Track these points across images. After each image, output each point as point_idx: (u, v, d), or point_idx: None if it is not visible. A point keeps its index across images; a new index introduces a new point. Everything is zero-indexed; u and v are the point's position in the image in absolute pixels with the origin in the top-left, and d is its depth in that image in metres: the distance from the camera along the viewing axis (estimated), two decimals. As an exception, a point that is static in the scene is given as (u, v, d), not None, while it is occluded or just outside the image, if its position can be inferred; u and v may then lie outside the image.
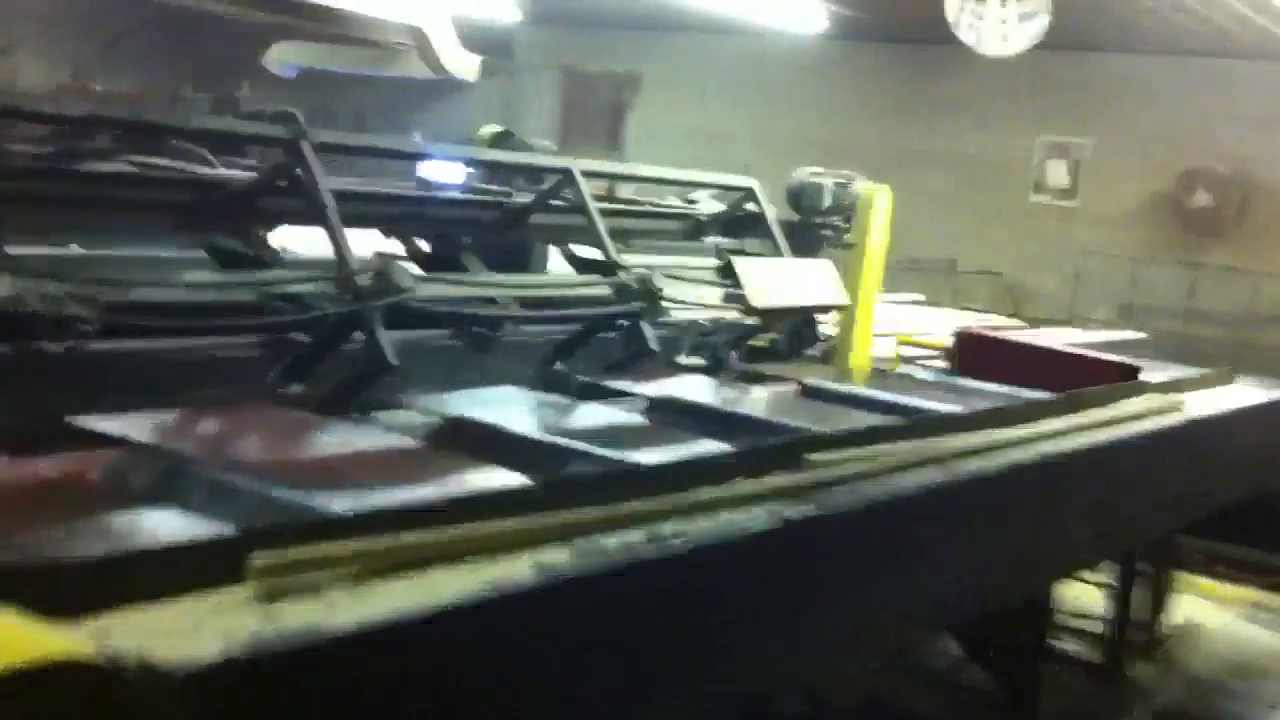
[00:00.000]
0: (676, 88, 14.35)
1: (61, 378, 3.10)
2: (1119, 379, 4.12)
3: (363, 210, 4.03)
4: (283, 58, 15.37)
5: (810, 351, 5.41)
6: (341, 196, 3.75)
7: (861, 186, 5.53)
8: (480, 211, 4.43)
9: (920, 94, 13.16)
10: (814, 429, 2.95)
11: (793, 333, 5.28)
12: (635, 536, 1.83)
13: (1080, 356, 4.33)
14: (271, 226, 3.74)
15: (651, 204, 5.31)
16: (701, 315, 4.95)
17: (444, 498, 2.09)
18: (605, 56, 14.79)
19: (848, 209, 5.51)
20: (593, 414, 3.41)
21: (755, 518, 1.99)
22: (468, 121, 15.86)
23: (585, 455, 2.65)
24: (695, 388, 3.99)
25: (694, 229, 5.41)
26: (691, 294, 4.60)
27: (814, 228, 5.51)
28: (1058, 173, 13.07)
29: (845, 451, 2.39)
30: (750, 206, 5.34)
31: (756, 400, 3.93)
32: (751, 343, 5.36)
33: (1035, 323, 10.73)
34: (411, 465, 2.72)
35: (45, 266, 3.21)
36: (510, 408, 3.41)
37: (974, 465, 2.65)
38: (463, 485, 2.52)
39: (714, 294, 4.71)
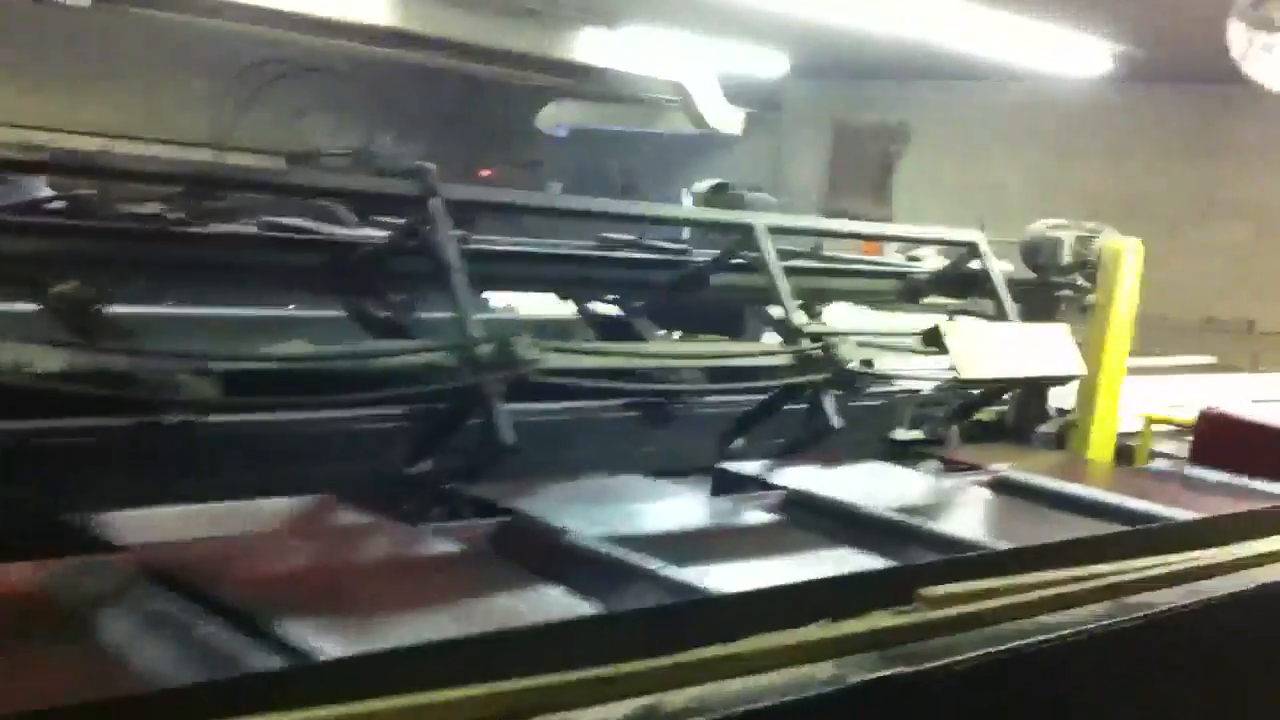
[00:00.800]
0: (947, 139, 13.67)
1: (171, 451, 2.90)
2: None
3: (523, 271, 3.72)
4: (555, 118, 15.50)
5: (1044, 428, 4.78)
6: (483, 256, 3.46)
7: (1108, 240, 4.86)
8: (652, 272, 4.05)
9: (1216, 139, 12.06)
10: (966, 545, 2.43)
11: (1021, 406, 4.68)
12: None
13: None
14: (404, 289, 3.47)
15: (863, 262, 4.81)
16: (917, 385, 4.45)
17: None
18: (874, 108, 14.25)
19: (1091, 266, 4.86)
20: (705, 510, 2.96)
21: (801, 679, 1.50)
22: (734, 176, 15.62)
23: (636, 573, 2.21)
24: (851, 479, 3.47)
25: (912, 289, 4.88)
26: (892, 362, 4.09)
27: (1051, 287, 4.88)
28: (1378, 222, 11.70)
29: (980, 582, 1.87)
30: (975, 264, 4.77)
31: (923, 497, 3.38)
32: (979, 416, 4.80)
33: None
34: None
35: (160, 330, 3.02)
36: (608, 499, 3.00)
37: (1163, 599, 2.06)
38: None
39: (919, 362, 4.18)
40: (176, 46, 14.65)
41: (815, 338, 3.81)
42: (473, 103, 16.03)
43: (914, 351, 4.14)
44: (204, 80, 15.58)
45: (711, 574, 2.22)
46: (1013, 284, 4.90)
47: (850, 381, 3.80)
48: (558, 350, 3.13)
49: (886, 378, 4.01)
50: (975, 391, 4.61)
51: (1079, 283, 4.86)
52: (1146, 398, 6.78)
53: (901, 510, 2.97)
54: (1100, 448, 4.80)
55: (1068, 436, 4.79)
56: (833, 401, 3.78)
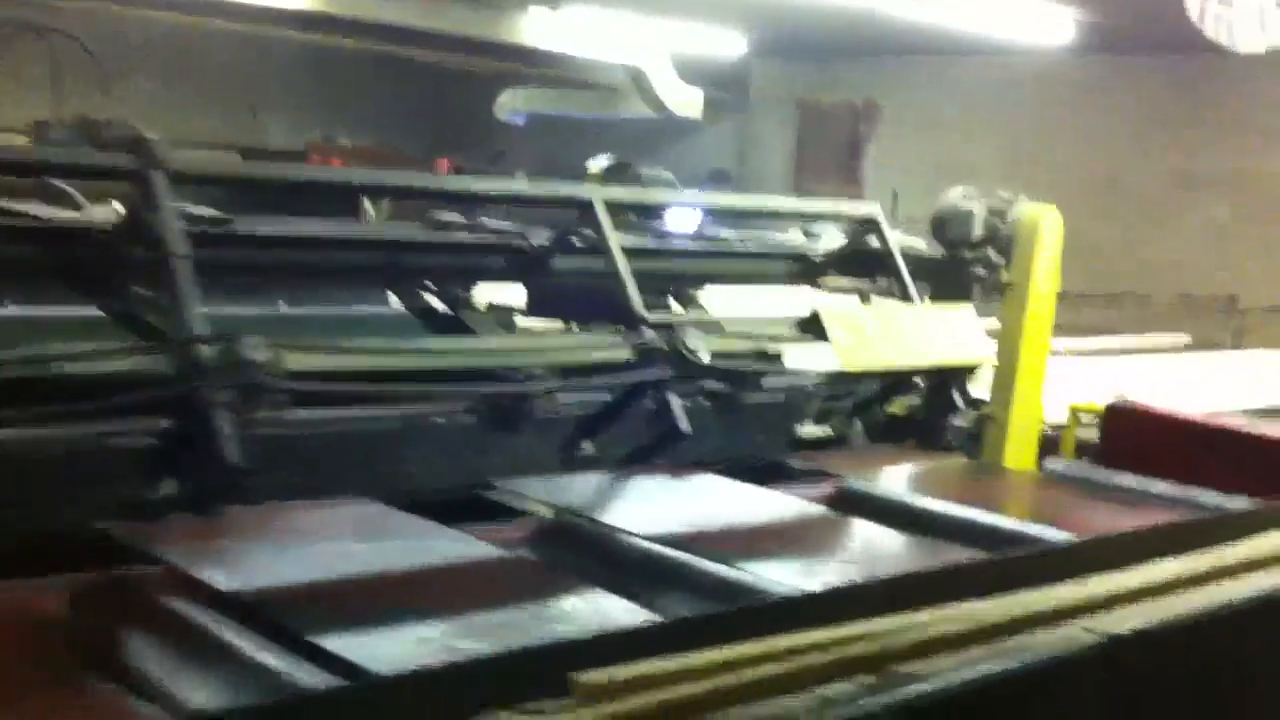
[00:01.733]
0: (918, 117, 13.11)
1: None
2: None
3: (300, 258, 3.20)
4: (511, 105, 14.96)
5: (958, 423, 4.25)
6: (245, 242, 2.94)
7: (1023, 210, 4.33)
8: (478, 257, 3.53)
9: (1194, 110, 11.50)
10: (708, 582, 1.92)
11: (932, 399, 4.15)
12: None
13: None
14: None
15: (743, 242, 4.27)
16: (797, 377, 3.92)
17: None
18: (842, 87, 13.70)
19: (1005, 240, 4.32)
20: (424, 545, 2.42)
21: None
22: (699, 162, 15.09)
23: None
24: (645, 497, 2.94)
25: (809, 270, 4.35)
26: (758, 353, 3.56)
27: (961, 264, 4.34)
28: (1365, 192, 11.13)
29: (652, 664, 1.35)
30: (875, 240, 4.24)
31: (712, 520, 2.85)
32: (892, 411, 4.28)
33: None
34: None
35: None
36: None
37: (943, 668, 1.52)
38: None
39: (796, 352, 3.65)
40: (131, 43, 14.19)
41: (660, 327, 3.29)
42: (430, 93, 15.51)
43: (791, 340, 3.62)
44: (154, 80, 15.07)
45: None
46: (920, 262, 4.38)
47: (697, 375, 3.27)
48: (306, 351, 2.61)
49: (748, 372, 3.47)
50: (876, 383, 4.12)
51: (992, 258, 4.32)
52: (1108, 382, 6.26)
53: (665, 540, 2.45)
54: (1020, 443, 4.25)
55: (984, 431, 4.25)
56: (680, 402, 3.25)
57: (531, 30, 11.65)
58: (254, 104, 16.09)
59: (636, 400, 3.30)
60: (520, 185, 3.61)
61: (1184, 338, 9.34)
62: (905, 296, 4.11)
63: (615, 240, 3.37)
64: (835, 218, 4.37)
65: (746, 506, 2.98)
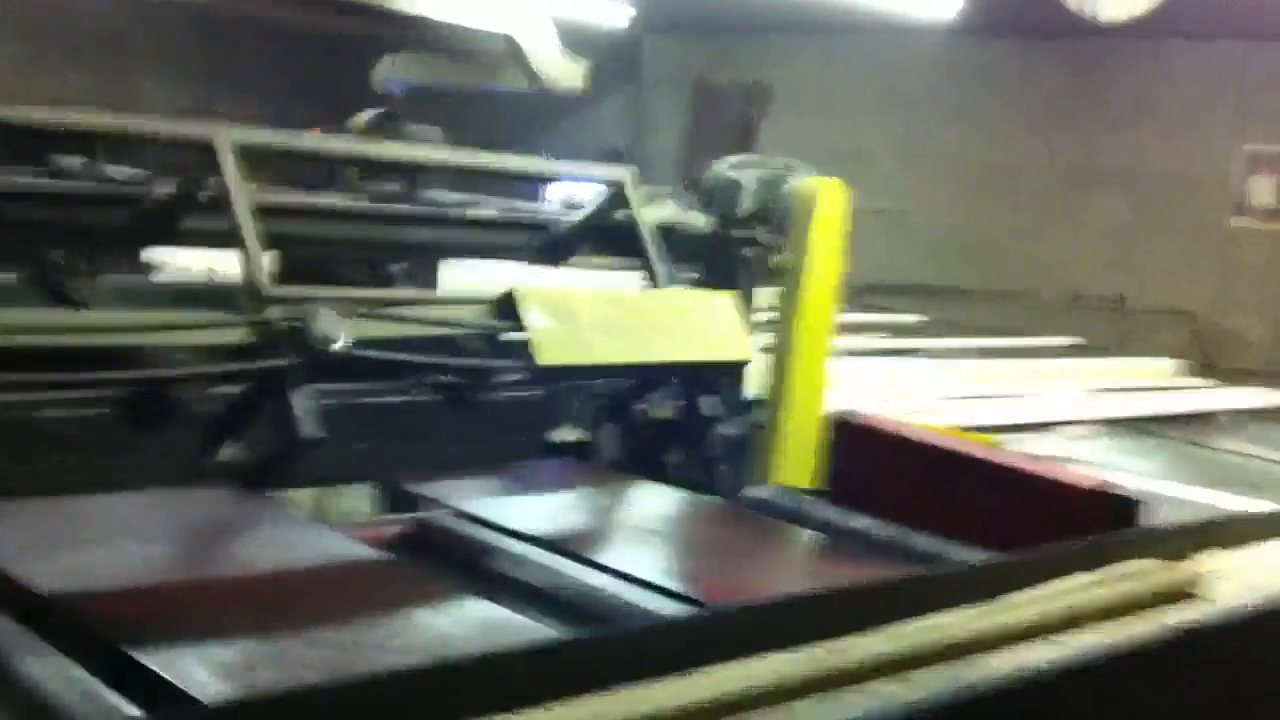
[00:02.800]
0: (811, 99, 12.52)
1: None
2: (1097, 520, 2.21)
3: None
4: (389, 73, 14.21)
5: (724, 430, 3.62)
6: None
7: (801, 181, 3.70)
8: (98, 212, 2.86)
9: (1091, 98, 10.98)
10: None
11: (687, 403, 3.51)
12: None
13: (1037, 475, 2.37)
14: None
15: (466, 208, 3.60)
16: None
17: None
18: (734, 65, 13.07)
19: (779, 215, 3.70)
20: None
21: None
22: (588, 140, 14.42)
23: None
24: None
25: (555, 243, 3.70)
26: (429, 340, 2.90)
27: (727, 243, 3.71)
28: (1264, 190, 10.64)
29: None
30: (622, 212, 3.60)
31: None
32: (656, 414, 3.65)
33: (1228, 376, 8.50)
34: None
35: None
36: None
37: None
38: None
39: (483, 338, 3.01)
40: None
41: (291, 302, 2.64)
42: (312, 61, 14.71)
43: (480, 325, 2.97)
44: (17, 37, 14.18)
45: None
46: (690, 240, 3.75)
47: (326, 366, 2.62)
48: None
49: (408, 362, 2.81)
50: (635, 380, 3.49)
51: (761, 237, 3.68)
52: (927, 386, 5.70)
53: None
54: (796, 455, 3.64)
55: (752, 440, 3.63)
56: (307, 398, 2.59)
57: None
58: (125, 68, 15.25)
59: (266, 396, 2.65)
60: (138, 123, 2.91)
61: (1075, 340, 8.80)
62: (652, 277, 3.47)
63: (244, 194, 2.70)
64: (583, 180, 3.71)
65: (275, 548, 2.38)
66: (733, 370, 3.45)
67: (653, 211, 3.81)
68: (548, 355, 2.92)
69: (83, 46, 14.59)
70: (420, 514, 2.69)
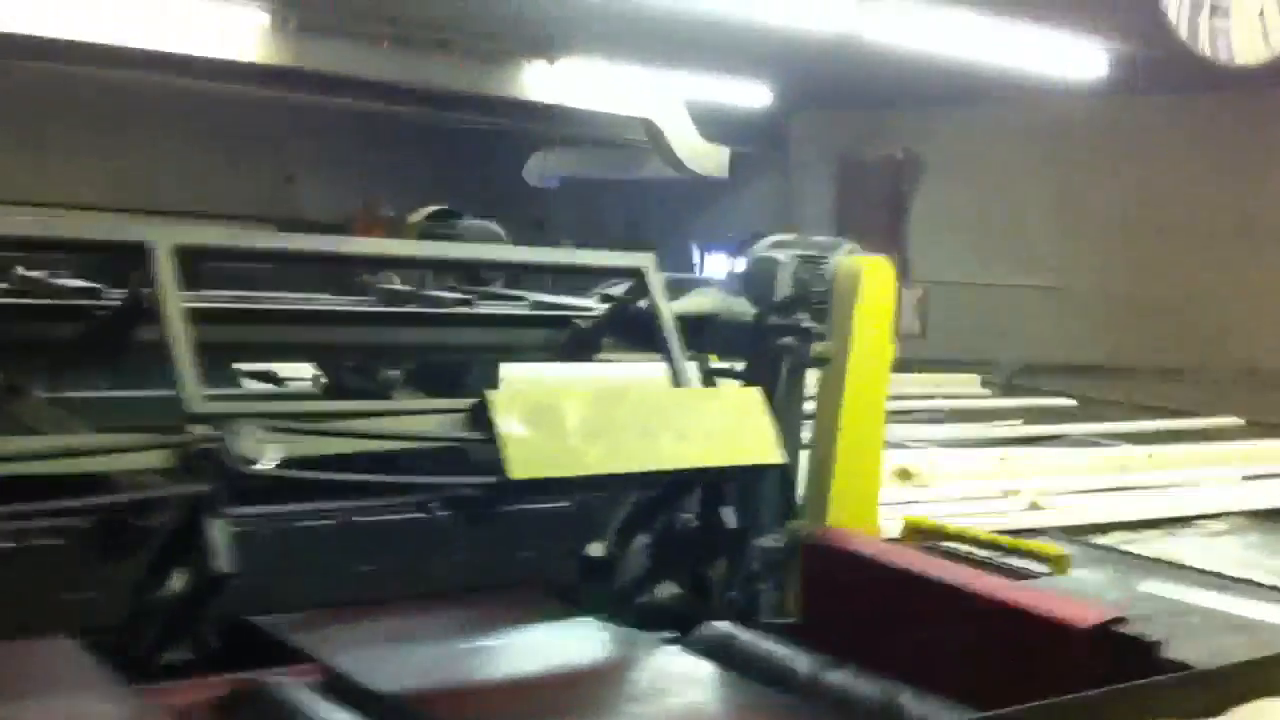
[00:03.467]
0: (963, 170, 12.01)
1: None
2: (1098, 664, 1.79)
3: None
4: (541, 168, 14.26)
5: (764, 543, 3.25)
6: None
7: (843, 261, 3.34)
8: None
9: (1262, 149, 10.21)
10: None
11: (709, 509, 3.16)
12: None
13: (1024, 608, 1.91)
14: None
15: (474, 302, 3.35)
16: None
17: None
18: (882, 139, 12.67)
19: (820, 299, 3.34)
20: None
21: None
22: (739, 224, 14.12)
23: None
24: None
25: (579, 339, 3.41)
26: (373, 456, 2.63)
27: (765, 331, 3.36)
28: None
29: None
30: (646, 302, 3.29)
31: None
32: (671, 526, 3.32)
33: None
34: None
35: None
36: None
37: None
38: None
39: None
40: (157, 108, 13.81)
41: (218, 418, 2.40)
42: (470, 159, 14.79)
43: (451, 439, 2.69)
44: (184, 143, 14.65)
45: None
46: (726, 329, 3.42)
47: (238, 494, 2.37)
48: None
49: (329, 480, 2.53)
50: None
51: (802, 323, 3.32)
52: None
53: None
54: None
55: (794, 553, 3.25)
56: (221, 529, 2.34)
57: (535, 84, 10.92)
58: (289, 173, 15.63)
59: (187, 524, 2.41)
60: (62, 228, 2.73)
61: (1234, 420, 8.05)
62: (675, 372, 3.15)
63: (174, 300, 2.49)
64: (601, 272, 3.43)
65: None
66: (759, 474, 3.08)
67: (693, 300, 3.51)
68: (523, 467, 2.61)
69: (249, 151, 14.98)
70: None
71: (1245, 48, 5.91)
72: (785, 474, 3.23)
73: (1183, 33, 6.02)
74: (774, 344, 3.37)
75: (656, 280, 3.24)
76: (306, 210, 15.72)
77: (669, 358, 3.16)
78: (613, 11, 8.98)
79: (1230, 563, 4.11)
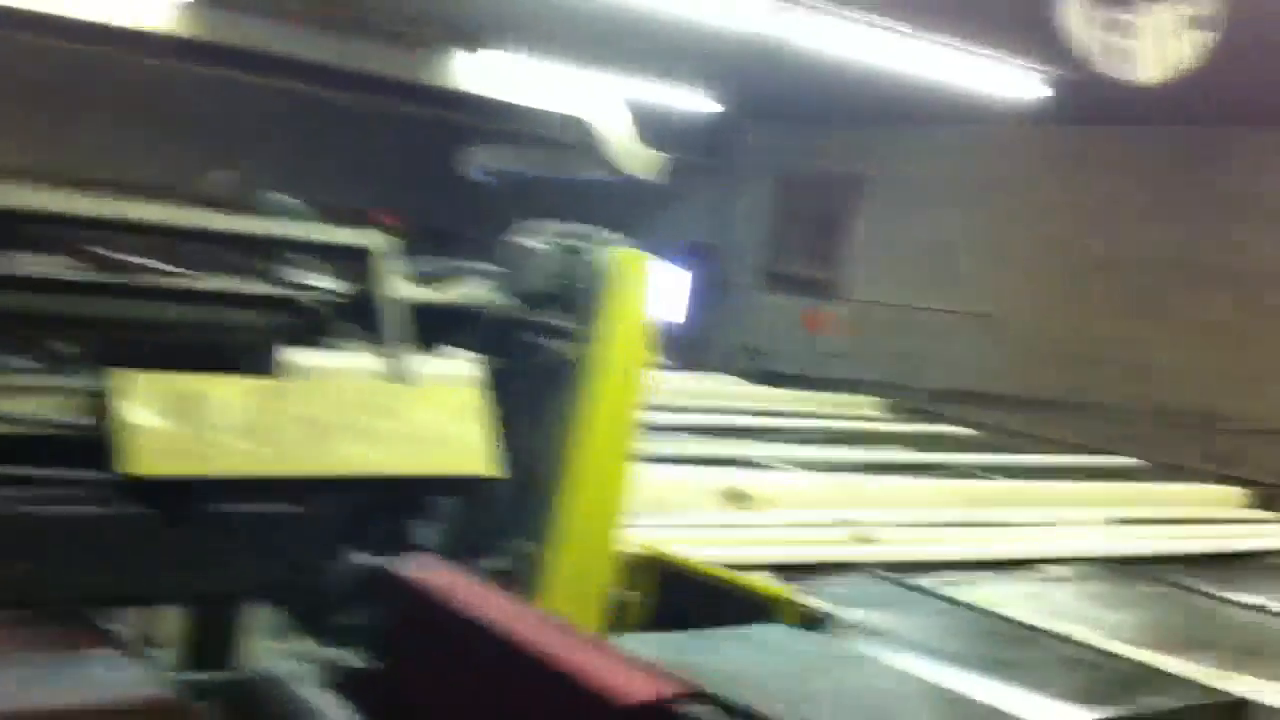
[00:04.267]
0: (898, 191, 11.72)
1: None
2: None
3: None
4: (477, 162, 13.89)
5: (490, 564, 2.90)
6: None
7: (602, 254, 3.00)
8: None
9: (1198, 190, 9.92)
10: None
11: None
12: None
13: (567, 672, 1.56)
14: None
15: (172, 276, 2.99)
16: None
17: None
18: (825, 158, 12.35)
19: (578, 293, 3.00)
20: None
21: None
22: (679, 229, 13.80)
23: None
24: None
25: (309, 323, 3.06)
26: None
27: (511, 326, 3.03)
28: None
29: None
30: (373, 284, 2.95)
31: None
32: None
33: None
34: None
35: None
36: None
37: None
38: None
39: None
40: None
41: None
42: (394, 148, 14.41)
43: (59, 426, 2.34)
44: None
45: None
46: (483, 324, 3.09)
47: None
48: None
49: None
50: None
51: (554, 321, 2.98)
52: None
53: None
54: (577, 597, 2.90)
55: (529, 573, 2.91)
56: None
57: (461, 74, 10.55)
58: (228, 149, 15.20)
59: None
60: None
61: (1126, 461, 7.68)
62: (395, 361, 2.81)
63: None
64: (324, 250, 3.07)
65: None
66: (470, 487, 2.74)
67: (454, 290, 3.18)
68: (143, 462, 2.26)
69: (187, 126, 14.51)
70: None
71: (1147, 66, 5.62)
72: (517, 489, 2.89)
73: (1080, 49, 5.72)
74: (525, 342, 3.04)
75: (384, 263, 2.90)
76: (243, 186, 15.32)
77: (384, 350, 2.82)
78: (547, 5, 8.62)
79: (1052, 612, 3.78)
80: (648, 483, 4.84)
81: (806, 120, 12.09)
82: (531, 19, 9.70)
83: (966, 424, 8.04)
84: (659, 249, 10.79)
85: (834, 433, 6.96)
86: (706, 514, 4.56)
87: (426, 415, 2.66)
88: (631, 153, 11.75)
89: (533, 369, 2.94)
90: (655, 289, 2.95)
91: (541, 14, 9.29)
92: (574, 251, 2.97)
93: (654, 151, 11.93)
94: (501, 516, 2.88)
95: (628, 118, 11.57)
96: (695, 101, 11.67)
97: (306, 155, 14.81)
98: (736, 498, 4.78)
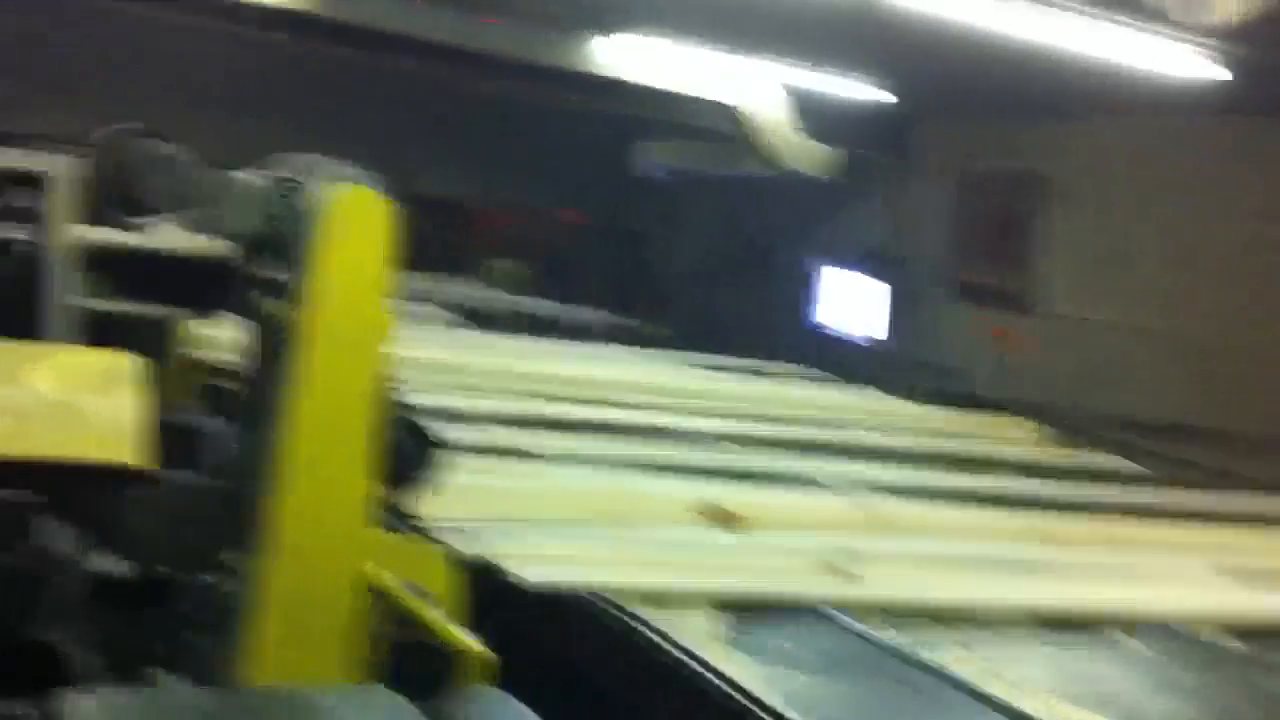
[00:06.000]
0: (1083, 190, 10.51)
1: None
2: None
3: None
4: (647, 157, 13.32)
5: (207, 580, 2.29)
6: None
7: (322, 191, 2.33)
8: None
9: None
10: None
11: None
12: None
13: None
14: None
15: None
16: None
17: None
18: (1005, 153, 11.22)
19: (290, 235, 2.34)
20: None
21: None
22: (858, 234, 12.83)
23: None
24: None
25: None
26: None
27: (216, 272, 2.39)
28: None
29: None
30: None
31: None
32: None
33: None
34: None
35: None
36: None
37: None
38: None
39: None
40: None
41: None
42: (562, 143, 13.89)
43: None
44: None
45: None
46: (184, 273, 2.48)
47: None
48: None
49: None
50: None
51: (259, 273, 2.33)
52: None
53: None
54: (300, 620, 2.24)
55: (238, 594, 2.27)
56: None
57: (605, 60, 10.02)
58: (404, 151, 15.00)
59: None
60: None
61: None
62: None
63: None
64: None
65: None
66: (108, 479, 2.11)
67: (159, 233, 2.57)
68: None
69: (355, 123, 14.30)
70: None
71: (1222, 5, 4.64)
72: (225, 487, 2.27)
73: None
74: (240, 298, 2.40)
75: (57, 188, 2.32)
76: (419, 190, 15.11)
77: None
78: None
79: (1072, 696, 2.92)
80: (606, 491, 4.18)
81: (989, 113, 11.01)
82: (680, 5, 9.05)
83: (1136, 456, 7.01)
84: (839, 256, 9.91)
85: (934, 456, 6.05)
86: (674, 531, 3.86)
87: (57, 388, 2.06)
88: (795, 146, 10.99)
89: (258, 333, 2.30)
90: (392, 237, 2.26)
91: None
92: (290, 188, 2.31)
93: (822, 146, 11.14)
94: (205, 522, 2.26)
95: (787, 108, 10.80)
96: (865, 92, 10.73)
97: (472, 150, 14.53)
98: (721, 517, 4.04)
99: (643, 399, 6.02)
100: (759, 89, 10.57)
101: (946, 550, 4.07)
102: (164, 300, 2.62)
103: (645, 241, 14.53)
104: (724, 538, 3.87)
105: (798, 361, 10.65)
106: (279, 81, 12.42)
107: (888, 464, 5.52)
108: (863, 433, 6.61)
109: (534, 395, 5.65)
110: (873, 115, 11.23)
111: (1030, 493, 5.36)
